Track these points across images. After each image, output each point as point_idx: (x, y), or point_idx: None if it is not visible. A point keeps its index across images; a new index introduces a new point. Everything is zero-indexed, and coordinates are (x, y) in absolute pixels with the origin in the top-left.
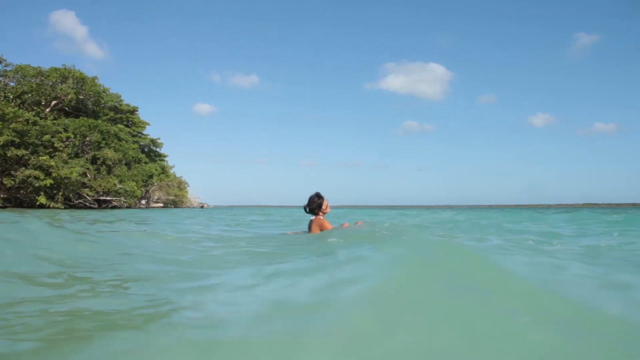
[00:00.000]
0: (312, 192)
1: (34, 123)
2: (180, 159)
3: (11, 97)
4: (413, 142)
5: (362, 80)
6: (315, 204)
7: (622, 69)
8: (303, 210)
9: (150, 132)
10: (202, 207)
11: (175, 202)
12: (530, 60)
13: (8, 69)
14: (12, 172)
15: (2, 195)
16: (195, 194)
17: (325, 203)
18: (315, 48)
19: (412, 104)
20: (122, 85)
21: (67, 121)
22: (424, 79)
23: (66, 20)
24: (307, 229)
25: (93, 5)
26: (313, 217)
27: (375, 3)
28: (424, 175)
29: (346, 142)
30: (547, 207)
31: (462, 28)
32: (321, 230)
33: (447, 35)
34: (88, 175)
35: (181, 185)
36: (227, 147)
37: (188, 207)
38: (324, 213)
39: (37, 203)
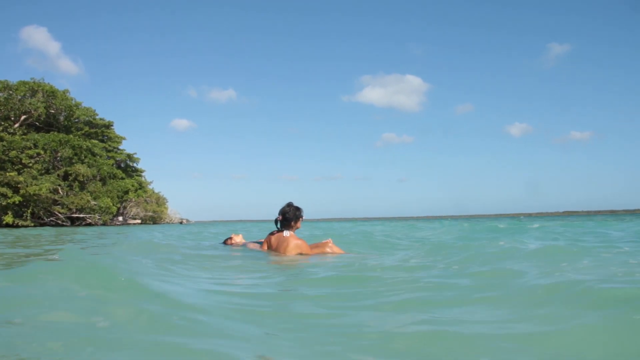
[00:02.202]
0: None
1: (0, 139)
2: (160, 174)
3: None
4: (393, 154)
5: (339, 93)
6: (292, 216)
7: (595, 77)
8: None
9: (127, 147)
10: (181, 222)
11: (153, 218)
12: (505, 69)
13: None
14: None
15: None
16: (176, 209)
17: (302, 217)
18: (291, 61)
19: (390, 115)
20: (97, 100)
21: (37, 136)
22: (401, 90)
23: (38, 36)
24: (261, 242)
25: (66, 21)
26: (286, 233)
27: (350, 16)
28: (405, 186)
29: (326, 155)
30: (528, 215)
31: (436, 39)
32: (300, 253)
33: (421, 45)
34: (60, 191)
35: (160, 201)
36: (206, 162)
37: (168, 223)
38: (297, 228)
39: (4, 222)
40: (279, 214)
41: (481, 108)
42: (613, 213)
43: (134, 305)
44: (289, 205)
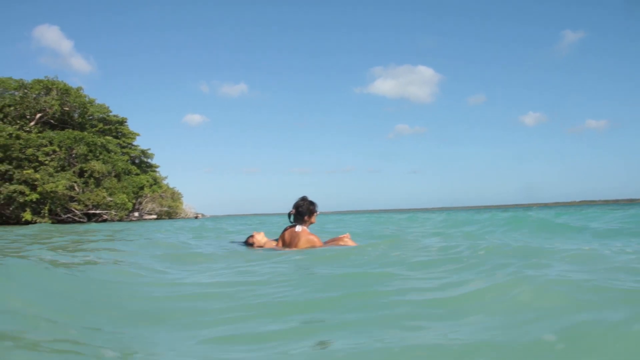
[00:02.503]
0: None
1: (17, 137)
2: (173, 169)
3: None
4: (405, 145)
5: (351, 85)
6: (305, 210)
7: (611, 64)
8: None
9: (141, 143)
10: (196, 217)
11: (169, 213)
12: (518, 59)
13: None
14: None
15: None
16: (190, 204)
17: (316, 212)
18: (302, 54)
19: (402, 107)
20: (110, 97)
21: (52, 134)
22: (412, 81)
23: (50, 35)
24: (277, 240)
25: (78, 19)
26: (298, 228)
27: (360, 7)
28: (418, 177)
29: (338, 148)
30: (544, 205)
31: (448, 29)
32: (312, 247)
33: (433, 37)
34: (76, 188)
35: (175, 196)
36: (219, 157)
37: (183, 217)
38: (311, 223)
39: (23, 219)
40: (292, 208)
41: (494, 98)
42: (632, 202)
43: None
44: (303, 199)
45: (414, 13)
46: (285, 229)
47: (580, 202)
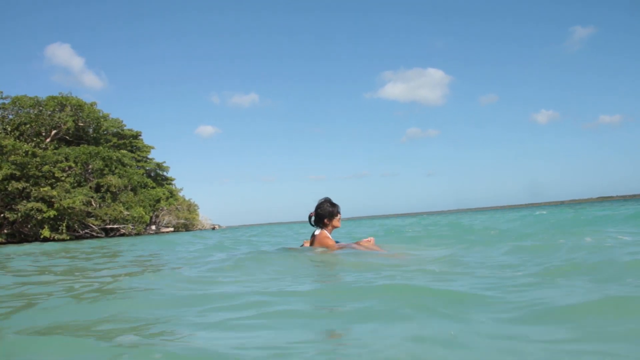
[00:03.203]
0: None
1: (33, 154)
2: (189, 181)
3: (9, 129)
4: (419, 149)
5: (361, 91)
6: (326, 212)
7: (622, 59)
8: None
9: (156, 156)
10: (213, 228)
11: (186, 226)
12: (528, 57)
13: (6, 101)
14: (14, 206)
15: (5, 231)
16: (206, 215)
17: (339, 214)
18: (311, 62)
19: (413, 110)
20: (123, 112)
21: (67, 150)
22: (423, 84)
23: (62, 53)
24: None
25: (88, 36)
26: (317, 232)
27: (367, 12)
28: (434, 180)
29: (352, 154)
30: (560, 203)
31: (456, 30)
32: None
33: (441, 38)
34: (93, 203)
35: (191, 208)
36: (234, 167)
37: (200, 229)
38: (334, 227)
39: (42, 236)
40: (314, 210)
41: (506, 97)
42: None
43: None
44: (324, 200)
45: (421, 16)
46: (312, 235)
47: (597, 198)
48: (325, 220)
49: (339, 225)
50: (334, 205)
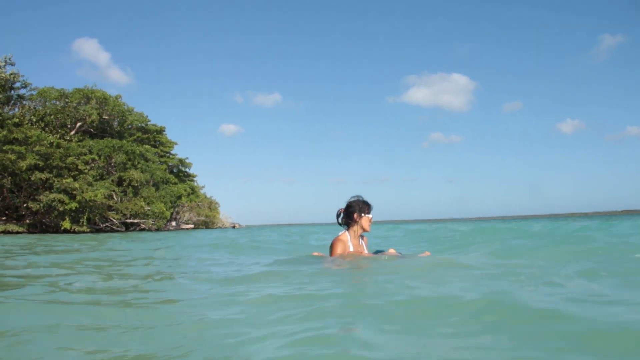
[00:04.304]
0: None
1: (58, 145)
2: (210, 179)
3: (34, 120)
4: (440, 154)
5: (384, 94)
6: (352, 209)
7: None
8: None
9: (179, 152)
10: (233, 227)
11: (206, 223)
12: (554, 65)
13: (33, 92)
14: (37, 197)
15: (27, 221)
16: (227, 214)
17: (370, 215)
18: (336, 63)
19: (436, 115)
20: (147, 107)
21: (91, 142)
22: (447, 90)
23: (89, 47)
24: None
25: (115, 32)
26: (340, 233)
27: (392, 16)
28: (454, 187)
29: (373, 157)
30: (584, 215)
31: (481, 36)
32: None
33: (467, 44)
34: (114, 197)
35: (212, 206)
36: (255, 167)
37: (220, 227)
38: (363, 230)
39: (62, 228)
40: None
41: (531, 105)
42: None
43: None
44: (356, 196)
45: (447, 21)
46: None
47: (622, 211)
48: (355, 215)
49: (367, 229)
50: (359, 202)
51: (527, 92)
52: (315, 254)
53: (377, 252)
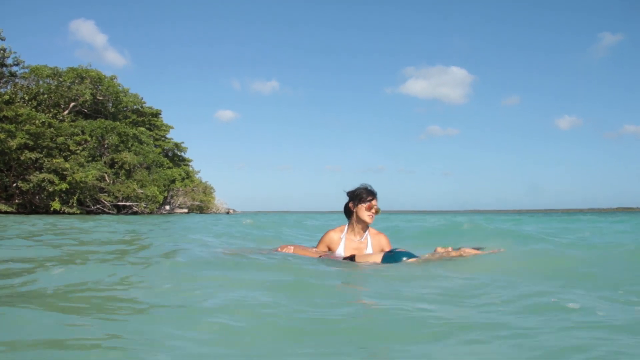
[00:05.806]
0: (345, 195)
1: (49, 125)
2: (206, 164)
3: (27, 98)
4: (437, 147)
5: (382, 85)
6: (354, 194)
7: None
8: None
9: (174, 137)
10: (228, 212)
11: (200, 208)
12: (553, 61)
13: (26, 70)
14: (27, 177)
15: (17, 201)
16: (222, 199)
17: (367, 203)
18: (335, 53)
19: (434, 108)
20: (144, 90)
21: (84, 123)
22: (445, 82)
23: (86, 29)
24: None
25: (112, 14)
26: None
27: (392, 7)
28: (450, 180)
29: (369, 147)
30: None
31: (481, 30)
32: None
33: (466, 38)
34: (106, 179)
35: (207, 191)
36: (252, 153)
37: (214, 212)
38: (361, 221)
39: (52, 209)
40: None
41: (528, 100)
42: None
43: None
44: (361, 184)
45: (446, 13)
46: None
47: (616, 208)
48: (350, 205)
49: (366, 219)
50: (369, 191)
51: (525, 87)
52: (283, 247)
53: (457, 248)
